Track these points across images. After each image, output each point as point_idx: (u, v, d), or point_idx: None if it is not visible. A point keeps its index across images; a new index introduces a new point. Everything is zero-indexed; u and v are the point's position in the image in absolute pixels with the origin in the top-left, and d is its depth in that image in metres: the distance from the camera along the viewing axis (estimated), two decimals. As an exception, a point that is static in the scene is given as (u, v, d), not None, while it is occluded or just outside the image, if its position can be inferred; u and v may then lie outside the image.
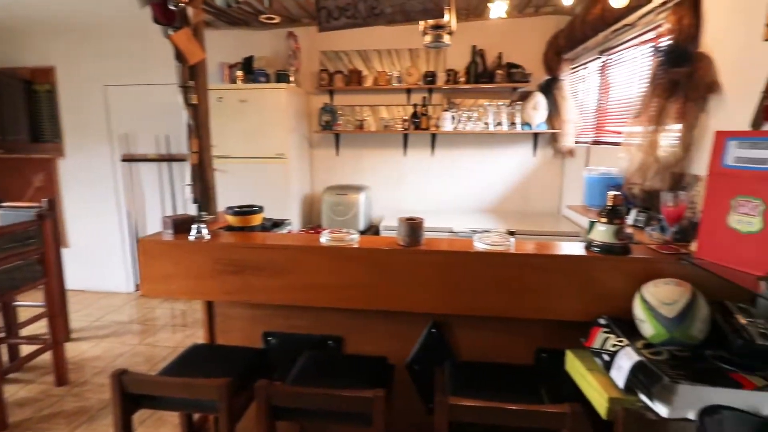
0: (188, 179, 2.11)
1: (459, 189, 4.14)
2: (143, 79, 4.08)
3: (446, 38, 2.24)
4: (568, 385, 1.51)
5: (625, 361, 1.28)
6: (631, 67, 2.68)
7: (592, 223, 1.62)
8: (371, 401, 1.37)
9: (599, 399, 1.32)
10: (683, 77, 1.82)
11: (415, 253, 1.66)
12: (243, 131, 3.65)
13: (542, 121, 3.70)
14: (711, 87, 1.74)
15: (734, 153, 1.32)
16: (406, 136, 4.10)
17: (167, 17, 1.94)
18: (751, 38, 1.54)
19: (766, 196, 1.23)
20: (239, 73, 3.75)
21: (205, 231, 1.82)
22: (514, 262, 1.60)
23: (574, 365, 1.52)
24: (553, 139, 3.84)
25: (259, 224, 2.05)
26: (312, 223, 4.23)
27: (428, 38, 2.25)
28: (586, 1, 2.90)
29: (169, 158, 4.23)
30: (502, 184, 4.09)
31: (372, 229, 3.99)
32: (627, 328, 1.43)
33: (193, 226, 1.82)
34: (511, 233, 3.18)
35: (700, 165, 1.78)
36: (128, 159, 4.28)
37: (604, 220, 1.55)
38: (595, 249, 1.58)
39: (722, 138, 1.36)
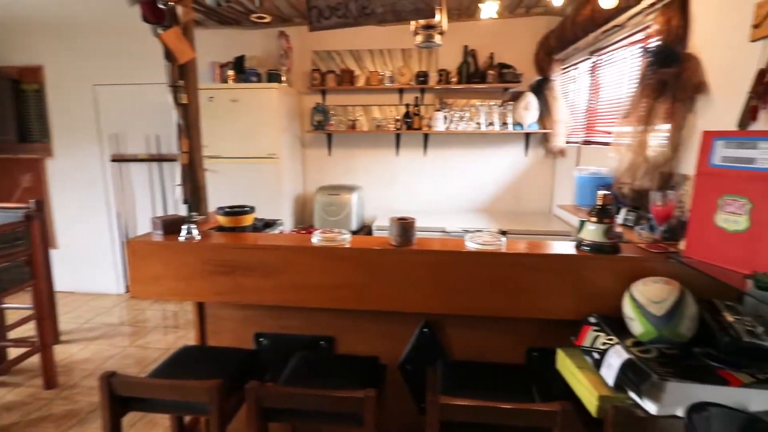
0: (178, 179, 2.09)
1: (451, 189, 4.15)
2: (133, 78, 4.04)
3: (437, 38, 2.25)
4: (559, 384, 1.52)
5: (615, 359, 1.29)
6: (621, 67, 2.70)
7: (582, 223, 1.63)
8: (362, 401, 1.37)
9: (589, 397, 1.33)
10: (671, 78, 1.84)
11: (406, 253, 1.66)
12: (234, 131, 3.63)
13: (533, 121, 3.72)
14: (699, 87, 1.76)
15: (721, 153, 1.34)
16: (398, 136, 4.10)
17: (156, 16, 1.92)
18: (738, 39, 1.55)
19: (753, 195, 1.25)
20: (230, 72, 3.73)
21: (195, 231, 1.80)
22: (506, 261, 1.61)
23: (565, 364, 1.53)
24: (545, 139, 3.86)
25: (250, 224, 2.04)
26: (304, 223, 4.22)
27: (419, 38, 2.25)
28: (576, 2, 2.92)
29: (160, 158, 4.19)
30: (494, 183, 4.10)
31: (365, 229, 3.99)
32: (617, 326, 1.44)
33: (183, 226, 1.81)
34: (503, 233, 3.19)
35: (689, 164, 1.80)
36: (118, 159, 4.24)
37: (594, 219, 1.56)
38: (585, 248, 1.59)
39: (709, 138, 1.38)
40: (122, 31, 3.96)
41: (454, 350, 1.91)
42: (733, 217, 1.29)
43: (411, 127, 3.86)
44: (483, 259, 1.62)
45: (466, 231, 1.81)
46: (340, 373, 1.65)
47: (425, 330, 1.89)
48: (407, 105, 3.90)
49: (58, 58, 4.11)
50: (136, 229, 4.36)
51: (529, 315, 1.64)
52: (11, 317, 3.03)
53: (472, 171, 4.10)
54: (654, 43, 2.04)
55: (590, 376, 1.38)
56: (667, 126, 1.88)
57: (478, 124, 3.82)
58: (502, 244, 1.67)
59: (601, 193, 1.55)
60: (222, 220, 1.98)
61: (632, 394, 1.25)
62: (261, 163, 3.66)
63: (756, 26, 1.46)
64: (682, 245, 1.51)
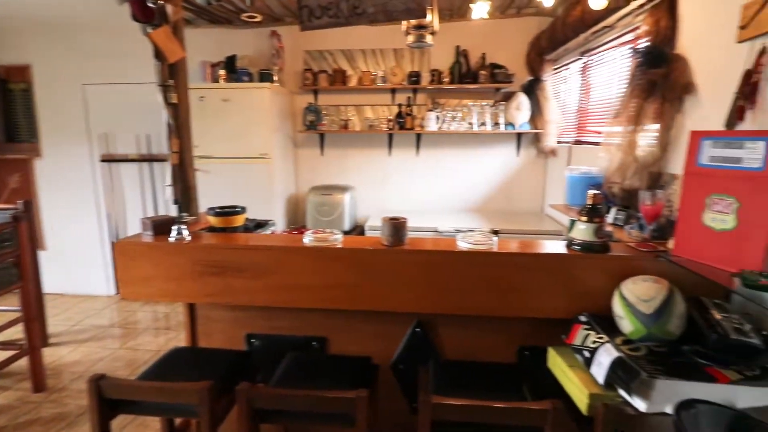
0: (168, 180, 2.07)
1: (444, 189, 4.16)
2: (123, 77, 4.01)
3: (429, 38, 2.25)
4: (551, 382, 1.53)
5: (605, 357, 1.30)
6: (611, 68, 2.72)
7: (572, 222, 1.65)
8: (354, 401, 1.36)
9: (580, 395, 1.34)
10: (660, 78, 1.86)
11: (398, 253, 1.66)
12: (226, 131, 3.61)
13: (525, 121, 3.74)
14: (687, 88, 1.78)
15: (708, 152, 1.35)
16: (390, 136, 4.10)
17: (146, 15, 1.91)
18: (725, 40, 1.57)
19: (740, 194, 1.26)
20: (222, 72, 3.70)
21: (185, 232, 1.79)
22: (497, 261, 1.61)
23: (556, 362, 1.54)
24: (536, 139, 3.88)
25: (241, 225, 2.03)
26: (297, 223, 4.20)
27: (411, 38, 2.26)
28: (566, 3, 2.94)
29: (150, 158, 4.16)
30: (487, 183, 4.12)
31: (357, 229, 3.99)
32: (607, 324, 1.45)
33: (173, 227, 1.79)
34: (495, 232, 3.20)
35: (677, 164, 1.82)
36: (108, 159, 4.20)
37: (584, 218, 1.57)
38: (576, 247, 1.60)
39: (697, 138, 1.39)
40: (111, 29, 3.92)
41: (446, 350, 1.91)
42: (720, 216, 1.31)
43: (403, 127, 3.86)
44: (474, 258, 1.62)
45: (459, 231, 1.81)
46: (331, 373, 1.65)
47: (417, 330, 1.89)
48: (399, 105, 3.90)
49: (46, 57, 4.06)
50: (126, 229, 4.31)
51: (521, 314, 1.64)
52: (-2, 320, 2.99)
53: (464, 171, 4.11)
54: (643, 43, 2.06)
55: (581, 375, 1.39)
56: (656, 126, 1.89)
57: (470, 124, 3.83)
58: (494, 244, 1.67)
59: (591, 192, 1.56)
60: (213, 220, 1.97)
61: (622, 392, 1.26)
62: (253, 163, 3.64)
63: (742, 27, 1.48)
64: (670, 244, 1.52)
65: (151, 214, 4.16)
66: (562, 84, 3.65)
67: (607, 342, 1.35)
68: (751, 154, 1.22)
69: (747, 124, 1.45)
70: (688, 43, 1.83)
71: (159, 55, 1.96)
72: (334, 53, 3.98)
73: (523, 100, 3.68)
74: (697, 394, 1.19)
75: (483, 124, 3.82)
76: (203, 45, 3.91)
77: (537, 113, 3.71)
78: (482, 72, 3.71)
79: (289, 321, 1.96)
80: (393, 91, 3.97)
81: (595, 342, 1.38)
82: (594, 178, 2.40)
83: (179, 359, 1.74)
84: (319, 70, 3.96)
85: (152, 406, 1.52)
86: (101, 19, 3.90)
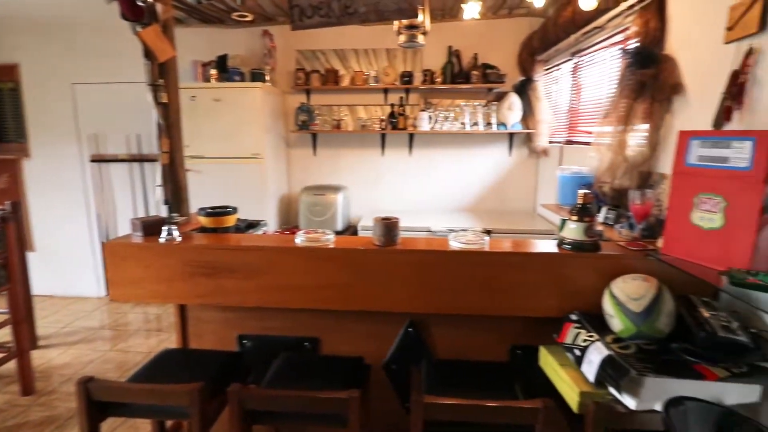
0: (159, 180, 2.06)
1: (437, 188, 4.17)
2: (113, 77, 3.96)
3: (420, 38, 2.25)
4: (542, 381, 1.54)
5: (595, 355, 1.31)
6: (601, 68, 2.74)
7: (563, 221, 1.65)
8: (346, 402, 1.36)
9: (571, 393, 1.35)
10: (649, 79, 1.88)
11: (390, 253, 1.66)
12: (217, 131, 3.58)
13: (517, 121, 3.76)
14: (675, 88, 1.80)
15: (697, 152, 1.37)
16: (383, 136, 4.10)
17: (135, 13, 1.89)
18: (713, 41, 1.59)
19: (727, 193, 1.28)
20: (213, 71, 3.68)
21: (176, 233, 1.78)
22: (489, 260, 1.62)
23: (547, 361, 1.54)
24: (528, 139, 3.90)
25: (232, 225, 2.01)
26: (290, 223, 4.19)
27: (402, 38, 2.26)
28: (557, 4, 2.96)
29: (141, 158, 4.12)
30: (479, 183, 4.13)
31: (350, 230, 3.98)
32: (597, 323, 1.46)
33: (163, 228, 1.78)
34: (488, 232, 3.21)
35: (666, 164, 1.84)
36: (97, 159, 4.15)
37: (574, 218, 1.58)
38: (567, 246, 1.61)
39: (685, 138, 1.41)
40: (101, 28, 3.88)
41: (438, 349, 1.91)
42: (708, 215, 1.32)
43: (396, 127, 3.86)
44: (466, 258, 1.62)
45: (451, 230, 1.82)
46: (324, 374, 1.64)
47: (410, 330, 1.89)
48: (392, 105, 3.91)
49: (35, 56, 4.01)
50: (116, 230, 4.27)
51: (513, 313, 1.65)
52: (-14, 322, 2.95)
53: (457, 171, 4.12)
54: (632, 44, 2.07)
55: (572, 373, 1.40)
56: (646, 126, 1.91)
57: (462, 124, 3.84)
58: (485, 243, 1.68)
59: (581, 192, 1.57)
60: (204, 221, 1.95)
61: (612, 390, 1.27)
62: (245, 164, 3.62)
63: (729, 29, 1.50)
64: (660, 243, 1.54)
65: (141, 214, 4.12)
66: (554, 84, 3.67)
67: (598, 340, 1.36)
68: (737, 154, 1.24)
69: (734, 124, 1.47)
70: (677, 43, 1.85)
71: (149, 54, 1.94)
72: (327, 53, 3.97)
73: (514, 101, 3.70)
74: (685, 391, 1.20)
75: (475, 124, 3.83)
76: (194, 44, 3.88)
77: (529, 113, 3.72)
78: (474, 72, 3.72)
79: (281, 321, 1.95)
80: (385, 91, 3.97)
81: (585, 340, 1.39)
82: (585, 177, 2.42)
83: (170, 361, 1.72)
84: (312, 70, 3.95)
85: (142, 409, 1.51)
86: (90, 17, 3.86)
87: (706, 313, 1.33)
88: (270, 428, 1.97)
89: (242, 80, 3.71)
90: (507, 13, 3.72)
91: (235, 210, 2.02)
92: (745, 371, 1.22)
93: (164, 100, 1.99)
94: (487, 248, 1.65)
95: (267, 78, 3.73)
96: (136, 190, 4.20)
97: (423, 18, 2.17)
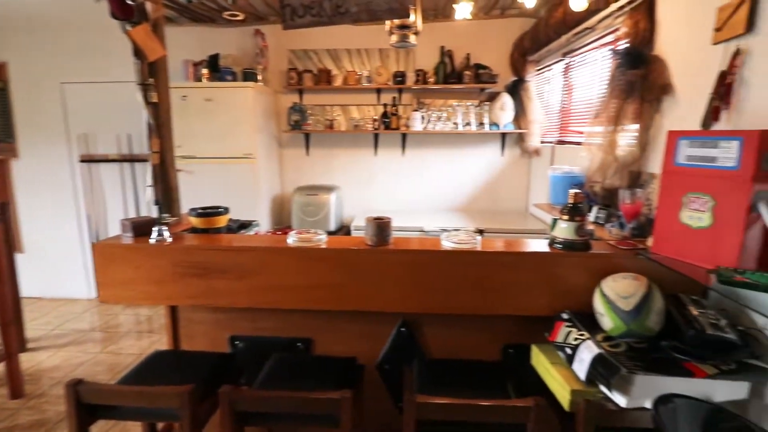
0: (149, 180, 2.04)
1: (429, 188, 4.17)
2: (103, 76, 3.92)
3: (412, 38, 2.25)
4: (534, 379, 1.55)
5: (586, 353, 1.32)
6: (592, 69, 2.76)
7: (554, 221, 1.66)
8: (339, 402, 1.36)
9: (562, 391, 1.36)
10: (639, 79, 1.89)
11: (382, 253, 1.66)
12: (209, 131, 3.56)
13: (509, 121, 3.77)
14: (664, 88, 1.81)
15: (685, 152, 1.38)
16: (376, 136, 4.10)
17: (124, 12, 1.87)
18: (701, 42, 1.61)
19: (715, 192, 1.29)
20: (205, 71, 3.65)
21: (166, 233, 1.76)
22: (481, 260, 1.62)
23: (539, 359, 1.55)
24: (520, 138, 3.92)
25: (224, 226, 2.00)
26: (282, 224, 4.17)
27: (394, 38, 2.26)
28: (549, 5, 2.97)
29: (132, 159, 4.08)
30: (472, 183, 4.14)
31: (343, 230, 3.97)
32: (588, 321, 1.47)
33: (154, 228, 1.76)
34: (481, 232, 3.23)
35: (656, 163, 1.86)
36: (87, 160, 4.11)
37: (565, 217, 1.59)
38: (558, 246, 1.62)
39: (674, 137, 1.42)
40: (91, 26, 3.84)
41: (431, 349, 1.91)
42: (697, 214, 1.34)
43: (389, 127, 3.86)
44: (458, 257, 1.63)
45: (444, 230, 1.82)
46: (316, 374, 1.64)
47: (402, 329, 1.89)
48: (385, 105, 3.90)
49: (24, 55, 3.95)
50: (107, 231, 4.23)
51: (505, 312, 1.66)
52: (-27, 325, 2.90)
53: (449, 170, 4.13)
54: (622, 45, 2.09)
55: (563, 371, 1.40)
56: (636, 126, 1.93)
57: (455, 124, 3.85)
58: (477, 243, 1.68)
59: (572, 191, 1.58)
60: (195, 221, 1.94)
61: (603, 388, 1.28)
62: (237, 164, 3.60)
63: (717, 29, 1.51)
64: (650, 242, 1.55)
65: (132, 215, 4.08)
66: (545, 84, 3.69)
67: (588, 339, 1.37)
68: (725, 154, 1.25)
69: (722, 124, 1.48)
70: (666, 44, 1.87)
71: (138, 53, 1.92)
72: (319, 53, 3.96)
73: (507, 101, 3.72)
74: (675, 388, 1.21)
75: (468, 124, 3.84)
76: (186, 43, 3.86)
77: (521, 113, 3.74)
78: (467, 72, 3.73)
79: (273, 322, 1.94)
80: (378, 90, 3.97)
81: (576, 339, 1.40)
82: (576, 177, 2.44)
83: (160, 362, 1.71)
84: (304, 70, 3.93)
85: (132, 411, 1.49)
86: (80, 16, 3.82)
87: (695, 311, 1.35)
88: (262, 429, 1.96)
89: (234, 80, 3.69)
90: (499, 13, 3.74)
91: (226, 210, 2.00)
92: (733, 368, 1.23)
93: (154, 99, 1.97)
94: (479, 248, 1.66)
95: (259, 78, 3.71)
96: (126, 191, 4.16)
97: (415, 18, 2.17)
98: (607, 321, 1.39)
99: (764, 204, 1.18)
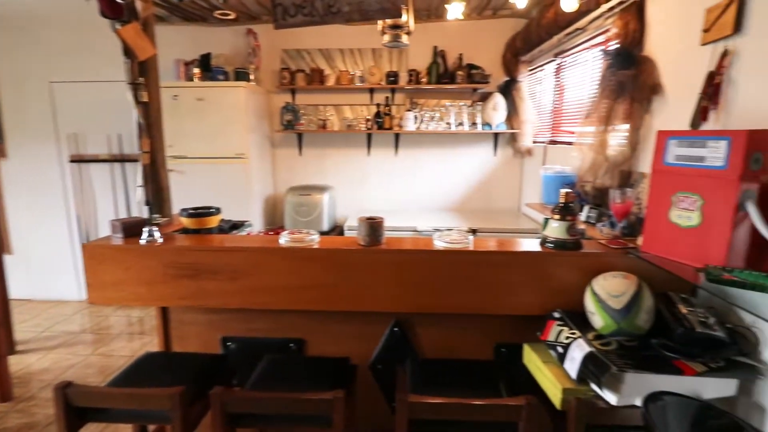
0: (140, 180, 2.02)
1: (423, 188, 4.18)
2: (93, 75, 3.88)
3: (404, 38, 2.25)
4: (526, 378, 1.55)
5: (577, 352, 1.33)
6: (583, 69, 2.78)
7: (546, 220, 1.67)
8: (331, 403, 1.35)
9: (554, 390, 1.37)
10: (629, 79, 1.91)
11: (375, 253, 1.66)
12: (201, 130, 3.54)
13: (502, 121, 3.79)
14: (654, 89, 1.83)
15: (674, 151, 1.39)
16: (369, 136, 4.10)
17: (114, 10, 1.86)
18: (690, 43, 1.62)
19: (703, 191, 1.30)
20: (196, 70, 3.63)
21: (157, 234, 1.75)
22: (473, 259, 1.63)
23: (531, 358, 1.56)
24: (513, 138, 3.93)
25: (216, 226, 1.99)
26: (275, 224, 4.15)
27: (387, 38, 2.26)
28: (540, 5, 2.99)
29: (122, 159, 4.04)
30: (465, 183, 4.15)
31: (336, 230, 3.97)
32: (579, 320, 1.48)
33: (144, 229, 1.75)
34: (473, 231, 3.24)
35: (646, 163, 1.87)
36: (77, 160, 4.06)
37: (557, 216, 1.60)
38: (549, 245, 1.62)
39: (664, 137, 1.43)
40: (80, 25, 3.80)
41: (424, 348, 1.92)
42: (686, 213, 1.35)
43: (382, 127, 3.86)
44: (451, 257, 1.63)
45: (437, 230, 1.82)
46: (309, 375, 1.63)
47: (395, 329, 1.89)
48: (378, 105, 3.90)
49: (11, 54, 3.90)
50: (97, 232, 4.18)
51: (497, 312, 1.66)
52: (-40, 327, 2.86)
53: (442, 170, 4.14)
54: (613, 46, 2.10)
55: (555, 370, 1.41)
56: (626, 126, 1.94)
57: (448, 124, 3.86)
58: (469, 243, 1.69)
59: (563, 191, 1.59)
60: (186, 221, 1.92)
61: (594, 386, 1.29)
62: (229, 164, 3.58)
63: (706, 30, 1.53)
64: (640, 241, 1.56)
65: (123, 216, 4.04)
66: (537, 85, 3.71)
67: (580, 337, 1.37)
68: (713, 153, 1.27)
69: (710, 124, 1.50)
70: (656, 45, 1.89)
71: (128, 52, 1.91)
72: (312, 52, 3.95)
73: (499, 101, 3.73)
74: (664, 386, 1.22)
75: (461, 124, 3.85)
76: (177, 42, 3.83)
77: (513, 113, 3.76)
78: (459, 72, 3.74)
79: (265, 323, 1.93)
80: (371, 90, 3.96)
81: (568, 338, 1.41)
82: (568, 177, 2.45)
83: (151, 364, 1.69)
84: (297, 69, 3.92)
85: (122, 414, 1.48)
86: (69, 14, 3.78)
87: (684, 310, 1.36)
88: (254, 431, 1.95)
89: (226, 79, 3.67)
90: (491, 13, 3.75)
91: (218, 210, 1.99)
92: (722, 366, 1.25)
93: (145, 99, 1.96)
94: (471, 247, 1.66)
95: (251, 77, 3.69)
96: (117, 191, 4.12)
97: (407, 18, 2.17)
98: (598, 319, 1.40)
99: (752, 203, 1.19)
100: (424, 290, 1.65)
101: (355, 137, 4.10)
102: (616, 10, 2.08)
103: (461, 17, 2.78)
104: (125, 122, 3.85)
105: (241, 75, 3.65)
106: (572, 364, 1.33)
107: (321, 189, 3.82)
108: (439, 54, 3.83)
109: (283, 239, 1.73)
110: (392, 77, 3.81)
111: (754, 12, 1.34)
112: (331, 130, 3.98)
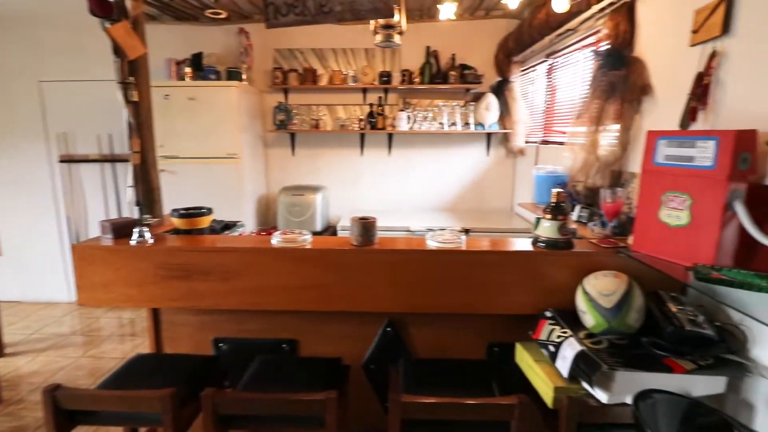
0: (130, 180, 2.00)
1: (416, 188, 4.18)
2: (83, 74, 3.84)
3: (397, 38, 2.25)
4: (518, 377, 1.56)
5: (569, 351, 1.33)
6: (575, 70, 2.80)
7: (538, 220, 1.68)
8: (323, 403, 1.35)
9: (545, 389, 1.37)
10: (620, 80, 1.92)
11: (367, 253, 1.65)
12: (192, 130, 3.51)
13: (494, 121, 3.80)
14: (644, 89, 1.85)
15: (664, 151, 1.41)
16: (362, 136, 4.09)
17: (103, 9, 1.84)
18: (679, 44, 1.64)
19: (692, 191, 1.31)
20: (188, 69, 3.60)
21: (147, 235, 1.73)
22: (465, 259, 1.63)
23: (523, 357, 1.57)
24: (505, 138, 3.95)
25: (207, 227, 1.98)
26: (268, 224, 4.14)
27: (379, 38, 2.26)
28: (532, 6, 3.00)
29: (113, 159, 4.00)
30: (458, 182, 4.16)
31: (329, 230, 3.96)
32: (571, 319, 1.49)
33: (134, 230, 1.73)
34: (466, 231, 3.24)
35: (636, 163, 1.89)
36: (67, 160, 4.01)
37: (548, 216, 1.61)
38: (541, 245, 1.63)
39: (653, 137, 1.45)
40: (70, 24, 3.76)
41: (417, 348, 1.92)
42: (675, 213, 1.36)
43: (375, 127, 3.86)
44: (443, 257, 1.63)
45: (430, 230, 1.82)
46: (301, 375, 1.62)
47: (388, 329, 1.89)
48: (371, 105, 3.90)
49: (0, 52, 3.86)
50: (87, 233, 4.14)
51: (489, 311, 1.67)
52: (-53, 330, 2.82)
53: (435, 170, 4.14)
54: (604, 46, 2.12)
55: (547, 369, 1.42)
56: (617, 126, 1.96)
57: (441, 124, 3.87)
58: (462, 242, 1.69)
59: (554, 191, 1.60)
60: (177, 222, 1.91)
61: (585, 385, 1.29)
62: (221, 164, 3.56)
63: (695, 32, 1.54)
64: (630, 240, 1.58)
65: (114, 216, 4.00)
66: (530, 85, 3.73)
67: (571, 336, 1.38)
68: (702, 153, 1.28)
69: (699, 125, 1.51)
70: (646, 46, 1.90)
71: (118, 51, 1.89)
72: (305, 52, 3.94)
73: (492, 101, 3.74)
74: (655, 384, 1.23)
75: (453, 124, 3.86)
76: (168, 41, 3.80)
77: (505, 114, 3.77)
78: (452, 73, 3.75)
79: (258, 324, 1.92)
80: (364, 90, 3.96)
81: (559, 336, 1.42)
82: (560, 176, 2.46)
83: (142, 366, 1.68)
84: (290, 69, 3.90)
85: (113, 416, 1.46)
86: (59, 12, 3.73)
87: (674, 308, 1.37)
88: (247, 432, 1.94)
89: (218, 79, 3.65)
90: (483, 14, 3.76)
91: (209, 211, 1.98)
92: (711, 363, 1.26)
93: (135, 98, 1.94)
94: (463, 247, 1.66)
95: (243, 77, 3.67)
96: (108, 192, 4.08)
97: (399, 18, 2.17)
98: (589, 318, 1.41)
99: (740, 202, 1.21)
100: (416, 290, 1.65)
101: (348, 137, 4.10)
102: (607, 11, 2.10)
103: (453, 18, 2.78)
104: (116, 122, 3.82)
105: (233, 74, 3.63)
106: (564, 363, 1.34)
107: (314, 189, 3.81)
108: (431, 54, 3.84)
109: (276, 240, 1.72)
110: (385, 77, 3.80)
111: (742, 13, 1.36)
112: (323, 130, 3.97)
